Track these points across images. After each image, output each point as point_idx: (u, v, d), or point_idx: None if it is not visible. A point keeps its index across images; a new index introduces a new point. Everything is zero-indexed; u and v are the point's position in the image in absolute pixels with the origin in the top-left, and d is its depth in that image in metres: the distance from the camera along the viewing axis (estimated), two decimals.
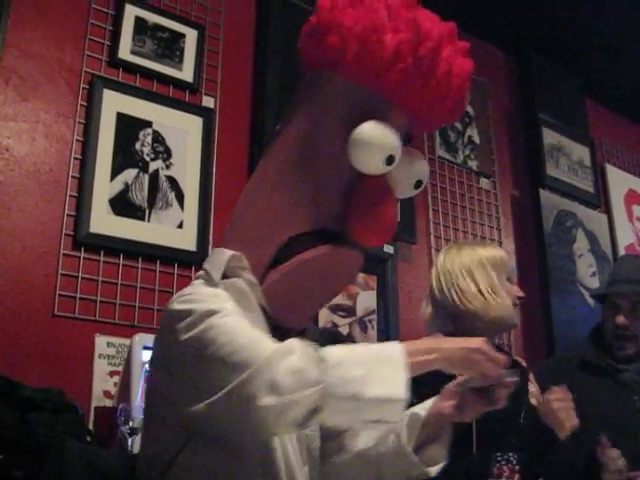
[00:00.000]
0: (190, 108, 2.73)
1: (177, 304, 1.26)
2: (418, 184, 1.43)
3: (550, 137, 4.13)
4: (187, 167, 2.65)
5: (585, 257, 4.03)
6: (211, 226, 2.65)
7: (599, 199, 4.38)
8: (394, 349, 1.18)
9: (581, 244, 4.06)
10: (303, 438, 1.31)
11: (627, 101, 4.59)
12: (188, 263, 2.57)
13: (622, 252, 4.36)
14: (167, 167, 2.61)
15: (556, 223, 3.98)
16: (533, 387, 2.03)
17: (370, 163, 1.34)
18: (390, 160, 1.34)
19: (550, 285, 3.77)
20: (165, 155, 2.61)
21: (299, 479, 1.28)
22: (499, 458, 1.53)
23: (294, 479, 1.26)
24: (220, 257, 1.36)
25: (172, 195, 2.59)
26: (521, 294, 2.03)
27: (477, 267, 1.99)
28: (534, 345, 3.66)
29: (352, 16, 1.34)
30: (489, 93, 3.84)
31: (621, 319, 2.25)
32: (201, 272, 1.39)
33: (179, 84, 2.73)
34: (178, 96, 2.72)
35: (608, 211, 4.43)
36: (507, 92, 4.11)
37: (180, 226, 2.58)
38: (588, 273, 3.89)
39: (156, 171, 2.58)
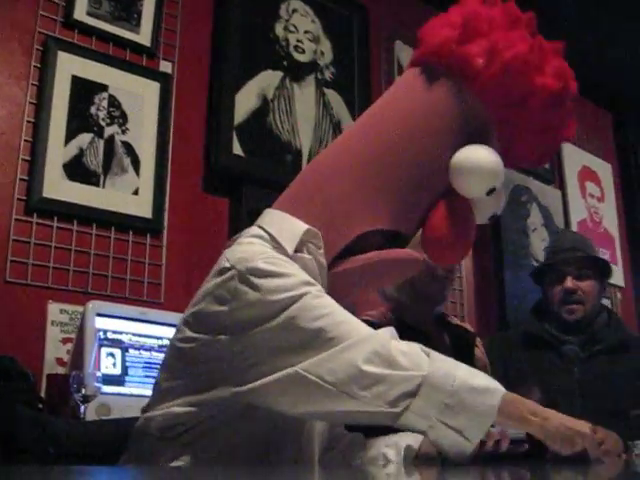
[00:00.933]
0: (147, 73, 2.67)
1: (262, 263, 1.18)
2: (492, 217, 1.40)
3: None
4: (143, 133, 2.61)
5: (539, 231, 4.09)
6: (167, 193, 2.62)
7: (554, 175, 4.44)
8: (496, 388, 1.14)
9: (535, 218, 4.12)
10: None
11: (584, 78, 4.63)
12: (143, 230, 2.54)
13: (575, 227, 4.44)
14: (123, 132, 2.56)
15: (511, 197, 4.02)
16: (479, 351, 2.06)
17: (472, 190, 1.32)
18: (491, 192, 1.32)
19: (503, 258, 3.82)
20: (121, 120, 2.57)
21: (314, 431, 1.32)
22: None
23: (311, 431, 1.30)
24: (292, 226, 1.28)
25: (128, 161, 2.55)
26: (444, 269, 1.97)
27: None
28: (487, 316, 3.72)
29: (506, 38, 1.30)
30: None
31: (569, 282, 2.30)
32: (258, 231, 1.29)
33: (136, 48, 2.67)
34: (135, 60, 2.67)
35: (562, 187, 4.50)
36: None
37: (136, 192, 2.55)
38: (541, 247, 3.94)
39: (112, 136, 2.53)
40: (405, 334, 1.87)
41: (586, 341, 2.31)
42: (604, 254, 4.60)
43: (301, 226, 1.27)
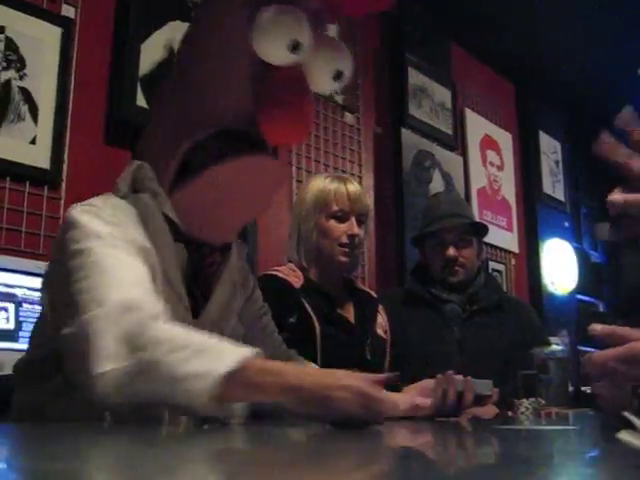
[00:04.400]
0: (48, 16, 2.55)
1: (78, 212, 1.23)
2: (338, 75, 1.30)
3: (415, 77, 4.21)
4: (43, 79, 2.50)
5: None
6: (67, 143, 2.53)
7: (457, 142, 4.54)
8: (231, 354, 1.06)
9: (437, 184, 4.21)
10: None
11: (488, 48, 4.73)
12: (41, 181, 2.44)
13: (474, 194, 4.56)
14: (20, 78, 2.45)
15: (415, 162, 4.09)
16: (381, 318, 2.10)
17: (273, 51, 1.22)
18: (295, 46, 1.21)
19: (405, 222, 3.90)
20: (19, 65, 2.45)
21: None
22: None
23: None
24: (129, 168, 1.32)
25: (25, 108, 2.44)
26: (353, 232, 1.96)
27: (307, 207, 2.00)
28: (387, 279, 3.80)
29: None
30: (358, 29, 3.84)
31: (451, 251, 2.36)
32: (115, 186, 1.34)
33: None
34: (35, 2, 2.54)
35: (464, 154, 4.61)
36: (376, 30, 4.14)
37: (33, 142, 2.45)
38: None
39: (8, 81, 2.41)
40: (311, 295, 1.91)
41: (465, 301, 2.39)
42: (501, 221, 4.76)
43: (134, 165, 1.32)
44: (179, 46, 1.37)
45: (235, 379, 1.02)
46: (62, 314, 1.16)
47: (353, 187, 2.01)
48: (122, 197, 1.29)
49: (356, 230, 1.97)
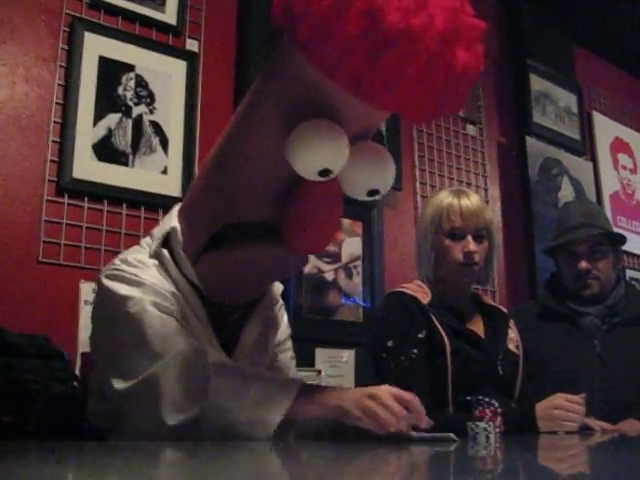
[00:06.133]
0: (173, 51, 2.68)
1: (104, 278, 1.35)
2: (372, 193, 1.26)
3: (537, 84, 4.10)
4: (171, 112, 2.62)
5: None
6: (195, 172, 2.63)
7: (585, 147, 4.38)
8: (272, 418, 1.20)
9: (566, 192, 4.07)
10: None
11: (615, 48, 4.55)
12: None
13: (607, 200, 4.38)
14: (151, 112, 2.57)
15: (542, 170, 3.98)
16: (512, 333, 2.04)
17: (303, 172, 1.20)
18: (324, 173, 1.18)
19: (535, 232, 3.79)
20: (148, 100, 2.58)
21: None
22: (481, 401, 1.55)
23: None
24: (166, 224, 1.42)
25: (156, 140, 2.56)
26: (469, 249, 1.91)
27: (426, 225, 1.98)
28: (518, 292, 3.69)
29: None
30: None
31: (583, 264, 2.27)
32: (154, 230, 1.46)
33: (162, 27, 2.67)
34: (161, 39, 2.67)
35: (594, 159, 4.43)
36: (495, 38, 4.07)
37: (164, 172, 2.56)
38: None
39: (140, 116, 2.54)
40: (439, 311, 1.89)
41: (605, 313, 2.28)
42: (637, 227, 4.54)
43: (171, 224, 1.40)
44: (227, 131, 1.36)
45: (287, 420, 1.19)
46: (105, 371, 1.29)
47: (468, 202, 1.94)
48: (151, 255, 1.41)
49: (472, 247, 1.90)
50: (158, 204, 2.52)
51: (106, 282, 1.34)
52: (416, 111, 1.18)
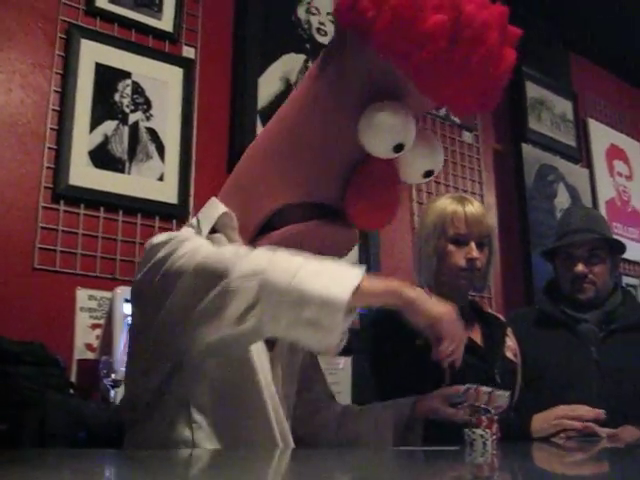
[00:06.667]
0: (170, 59, 2.68)
1: (156, 238, 1.27)
2: (428, 174, 1.39)
3: (533, 91, 4.11)
4: (167, 119, 2.62)
5: None
6: (192, 178, 2.63)
7: (581, 153, 4.39)
8: (348, 277, 1.13)
9: (562, 198, 4.08)
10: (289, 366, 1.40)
11: (611, 55, 4.57)
12: (169, 216, 2.55)
13: (603, 207, 4.39)
14: (147, 119, 2.57)
15: (538, 177, 3.99)
16: (510, 341, 2.04)
17: (378, 147, 1.30)
18: (399, 148, 1.30)
19: (531, 239, 3.80)
20: (145, 106, 2.58)
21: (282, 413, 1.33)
22: (477, 408, 1.54)
23: (278, 412, 1.31)
24: (214, 211, 1.37)
25: (152, 147, 2.56)
26: (472, 256, 1.91)
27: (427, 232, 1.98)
28: (514, 299, 3.70)
29: None
30: None
31: (580, 267, 2.27)
32: (194, 220, 1.39)
33: (158, 34, 2.68)
34: (158, 46, 2.67)
35: (589, 165, 4.44)
36: None
37: (161, 178, 2.56)
38: None
39: (136, 123, 2.54)
40: None
41: (602, 320, 2.28)
42: (632, 233, 4.55)
43: (219, 210, 1.36)
44: (287, 106, 1.40)
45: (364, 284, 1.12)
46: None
47: (472, 209, 1.94)
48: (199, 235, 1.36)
49: (475, 254, 1.91)
50: (154, 211, 2.52)
51: (158, 239, 1.26)
52: (466, 103, 1.31)
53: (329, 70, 1.34)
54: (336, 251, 1.41)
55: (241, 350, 1.26)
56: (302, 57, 3.03)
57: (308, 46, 3.06)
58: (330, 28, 3.16)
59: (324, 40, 3.12)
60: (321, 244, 1.35)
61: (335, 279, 1.11)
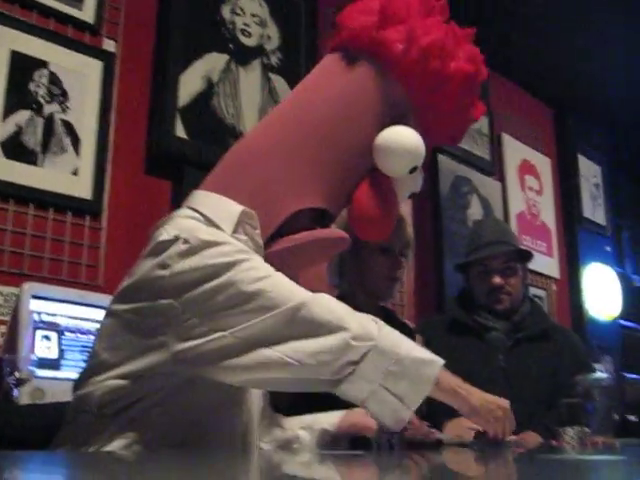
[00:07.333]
0: (90, 51, 2.61)
1: (204, 233, 1.21)
2: (412, 195, 1.53)
3: None
4: (85, 112, 2.55)
5: None
6: (108, 174, 2.57)
7: (494, 167, 4.51)
8: (436, 359, 1.22)
9: (475, 210, 4.18)
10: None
11: (525, 73, 4.71)
12: (82, 211, 2.49)
13: (514, 219, 4.52)
14: (63, 111, 2.50)
15: (452, 188, 4.08)
16: None
17: (396, 168, 1.38)
18: (414, 170, 1.40)
19: (444, 248, 3.87)
20: (61, 98, 2.51)
21: (255, 413, 1.36)
22: None
23: (251, 413, 1.34)
24: (228, 208, 1.29)
25: (68, 140, 2.49)
26: (396, 266, 2.02)
27: None
28: (426, 307, 3.76)
29: (423, 25, 1.37)
30: None
31: (497, 279, 2.33)
32: (191, 212, 1.28)
33: (79, 24, 2.60)
34: (77, 37, 2.60)
35: (502, 179, 4.57)
36: None
37: (75, 173, 2.49)
38: None
39: (51, 114, 2.47)
40: None
41: (510, 329, 2.35)
42: (540, 246, 4.70)
43: (237, 207, 1.29)
44: (303, 105, 1.43)
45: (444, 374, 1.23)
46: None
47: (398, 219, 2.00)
48: None
49: (399, 264, 1.98)
50: (67, 206, 2.45)
51: (207, 237, 1.20)
52: (446, 138, 1.59)
53: (343, 83, 1.40)
54: (329, 257, 1.50)
55: (288, 389, 1.30)
56: (225, 57, 3.00)
57: (231, 46, 3.04)
58: (255, 30, 3.15)
59: (248, 41, 3.11)
60: (324, 251, 1.40)
61: (426, 362, 1.20)
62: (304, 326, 1.14)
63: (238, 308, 1.14)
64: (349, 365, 1.13)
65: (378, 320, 1.21)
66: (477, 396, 1.29)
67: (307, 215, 1.35)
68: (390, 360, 1.14)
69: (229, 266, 1.16)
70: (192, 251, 1.17)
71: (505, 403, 1.34)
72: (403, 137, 1.37)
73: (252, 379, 1.18)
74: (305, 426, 1.52)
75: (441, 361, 1.21)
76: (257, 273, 1.17)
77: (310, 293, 1.19)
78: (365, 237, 1.47)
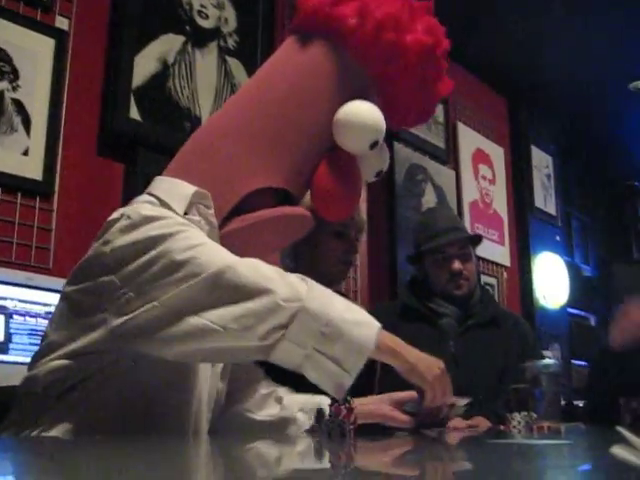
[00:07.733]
0: (42, 28, 2.55)
1: (146, 210, 1.20)
2: (379, 174, 1.46)
3: None
4: (36, 91, 2.50)
5: None
6: (59, 155, 2.53)
7: (449, 155, 4.55)
8: (373, 321, 1.19)
9: (429, 197, 4.22)
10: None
11: (481, 63, 4.75)
12: (33, 192, 2.44)
13: (467, 208, 4.57)
14: (14, 89, 2.45)
15: (407, 176, 4.10)
16: None
17: (356, 144, 1.36)
18: (374, 145, 1.37)
19: (397, 234, 3.90)
20: (12, 76, 2.45)
21: (205, 396, 1.32)
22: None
23: (202, 396, 1.30)
24: (181, 189, 1.29)
25: (18, 120, 2.44)
26: (351, 250, 2.02)
27: None
28: (380, 292, 3.79)
29: (377, 0, 1.37)
30: None
31: (457, 265, 2.36)
32: (148, 197, 1.29)
33: (30, 0, 2.54)
34: (29, 13, 2.54)
35: (456, 167, 4.62)
36: None
37: (25, 153, 2.44)
38: None
39: (1, 93, 2.41)
40: None
41: (461, 315, 2.38)
42: (492, 234, 4.77)
43: (189, 188, 1.29)
44: (261, 87, 1.42)
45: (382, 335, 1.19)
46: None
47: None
48: None
49: (354, 248, 2.00)
50: (17, 186, 2.40)
51: (149, 212, 1.19)
52: (411, 116, 1.50)
53: (307, 67, 1.39)
54: (298, 236, 1.44)
55: (225, 361, 1.30)
56: (181, 39, 2.97)
57: (188, 28, 3.01)
58: (212, 12, 3.11)
59: (204, 23, 3.07)
60: (289, 229, 1.38)
61: (361, 324, 1.16)
62: (230, 290, 1.11)
63: (169, 277, 1.12)
64: (278, 329, 1.09)
65: (309, 280, 1.16)
66: (415, 355, 1.27)
67: (270, 197, 1.34)
68: (321, 321, 1.10)
69: (165, 237, 1.15)
70: (132, 226, 1.17)
71: (441, 363, 1.32)
72: (361, 110, 1.35)
73: (188, 351, 1.14)
74: (304, 408, 1.51)
75: (378, 324, 1.19)
76: (190, 242, 1.15)
77: (239, 257, 1.16)
78: (327, 216, 1.44)
